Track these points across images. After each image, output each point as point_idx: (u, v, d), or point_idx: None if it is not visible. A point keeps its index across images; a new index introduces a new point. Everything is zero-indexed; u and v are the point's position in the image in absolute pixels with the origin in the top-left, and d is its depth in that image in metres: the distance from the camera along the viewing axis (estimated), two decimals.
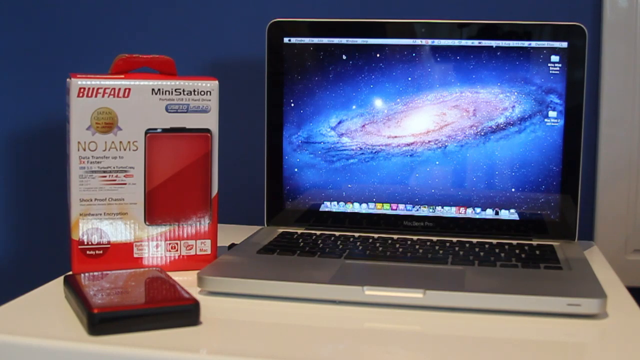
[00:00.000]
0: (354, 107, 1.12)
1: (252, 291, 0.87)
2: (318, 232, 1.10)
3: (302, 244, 1.04)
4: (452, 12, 1.26)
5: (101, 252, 0.96)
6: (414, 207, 1.12)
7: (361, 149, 1.12)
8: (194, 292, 0.87)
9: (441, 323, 0.81)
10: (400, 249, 1.02)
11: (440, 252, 1.00)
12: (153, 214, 0.97)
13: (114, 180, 0.95)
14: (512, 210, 1.10)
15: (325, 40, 1.12)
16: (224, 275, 0.89)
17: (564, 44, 1.07)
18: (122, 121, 0.95)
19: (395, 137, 1.11)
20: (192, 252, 0.99)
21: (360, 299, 0.85)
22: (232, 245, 1.05)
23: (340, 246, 1.03)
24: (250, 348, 0.75)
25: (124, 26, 1.38)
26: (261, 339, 0.78)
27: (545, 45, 1.07)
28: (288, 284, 0.87)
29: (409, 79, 1.10)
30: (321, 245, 1.03)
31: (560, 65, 1.07)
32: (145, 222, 0.97)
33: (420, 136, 1.11)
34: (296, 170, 1.14)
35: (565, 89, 1.07)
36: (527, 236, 1.09)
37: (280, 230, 1.12)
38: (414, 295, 0.84)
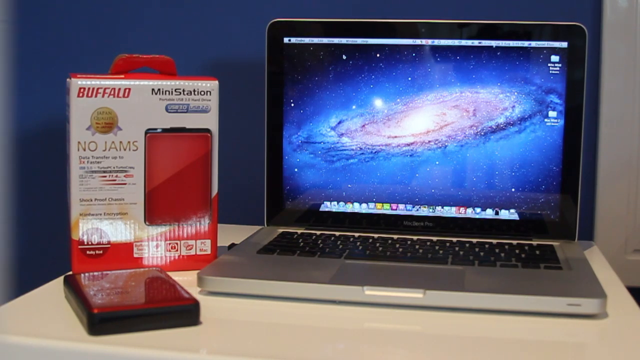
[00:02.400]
0: (354, 107, 1.12)
1: (252, 291, 0.87)
2: (318, 232, 1.10)
3: (302, 244, 1.04)
4: (452, 12, 1.26)
5: (101, 252, 0.96)
6: (414, 207, 1.12)
7: (361, 149, 1.12)
8: (194, 292, 0.87)
9: (441, 323, 0.81)
10: (400, 249, 1.02)
11: (440, 252, 1.00)
12: (153, 214, 0.97)
13: (114, 180, 0.95)
14: (512, 210, 1.10)
15: (325, 40, 1.12)
16: (224, 275, 0.89)
17: (564, 44, 1.07)
18: (122, 121, 0.95)
19: (395, 137, 1.11)
20: (192, 252, 0.99)
21: (360, 299, 0.84)
22: (232, 245, 1.05)
23: (340, 246, 1.03)
24: (250, 348, 0.75)
25: (124, 26, 1.38)
26: (261, 339, 0.78)
27: (545, 45, 1.07)
28: (288, 284, 0.87)
29: (409, 79, 1.10)
30: (321, 245, 1.03)
31: (560, 65, 1.07)
32: (145, 222, 0.97)
33: (420, 136, 1.11)
34: (296, 170, 1.14)
35: (565, 89, 1.07)
36: (527, 236, 1.09)
37: (280, 230, 1.12)
38: (414, 295, 0.83)
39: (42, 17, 1.40)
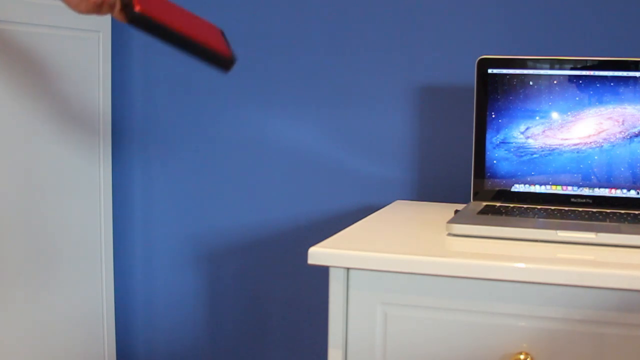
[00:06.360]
0: (537, 118, 1.60)
1: (487, 234, 1.35)
2: (511, 205, 1.58)
3: (503, 210, 1.52)
4: (609, 51, 1.73)
5: None
6: (579, 188, 1.59)
7: (542, 147, 1.60)
8: (444, 236, 1.36)
9: (603, 254, 1.27)
10: (572, 214, 1.49)
11: (600, 216, 1.47)
12: None
13: None
14: None
15: (517, 71, 1.60)
16: (468, 224, 1.37)
17: None
18: None
19: (566, 139, 1.59)
20: None
21: (554, 238, 1.32)
22: (457, 211, 1.54)
23: (530, 212, 1.51)
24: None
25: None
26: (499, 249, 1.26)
27: None
28: (510, 229, 1.33)
29: (577, 98, 1.57)
30: (516, 211, 1.52)
31: None
32: None
33: (583, 138, 1.58)
34: (495, 162, 1.62)
35: None
36: None
37: (484, 203, 1.60)
38: (589, 235, 1.31)
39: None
